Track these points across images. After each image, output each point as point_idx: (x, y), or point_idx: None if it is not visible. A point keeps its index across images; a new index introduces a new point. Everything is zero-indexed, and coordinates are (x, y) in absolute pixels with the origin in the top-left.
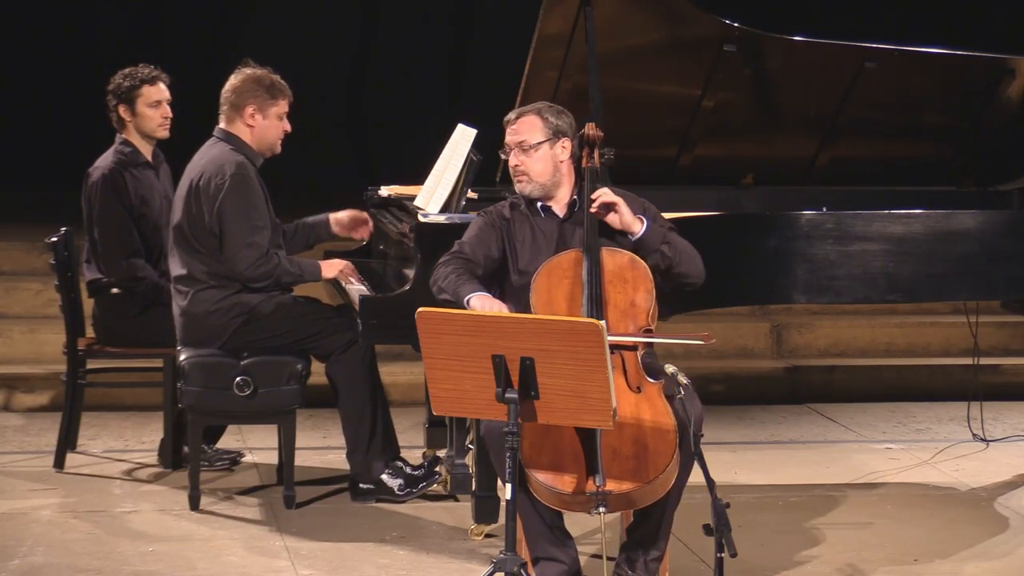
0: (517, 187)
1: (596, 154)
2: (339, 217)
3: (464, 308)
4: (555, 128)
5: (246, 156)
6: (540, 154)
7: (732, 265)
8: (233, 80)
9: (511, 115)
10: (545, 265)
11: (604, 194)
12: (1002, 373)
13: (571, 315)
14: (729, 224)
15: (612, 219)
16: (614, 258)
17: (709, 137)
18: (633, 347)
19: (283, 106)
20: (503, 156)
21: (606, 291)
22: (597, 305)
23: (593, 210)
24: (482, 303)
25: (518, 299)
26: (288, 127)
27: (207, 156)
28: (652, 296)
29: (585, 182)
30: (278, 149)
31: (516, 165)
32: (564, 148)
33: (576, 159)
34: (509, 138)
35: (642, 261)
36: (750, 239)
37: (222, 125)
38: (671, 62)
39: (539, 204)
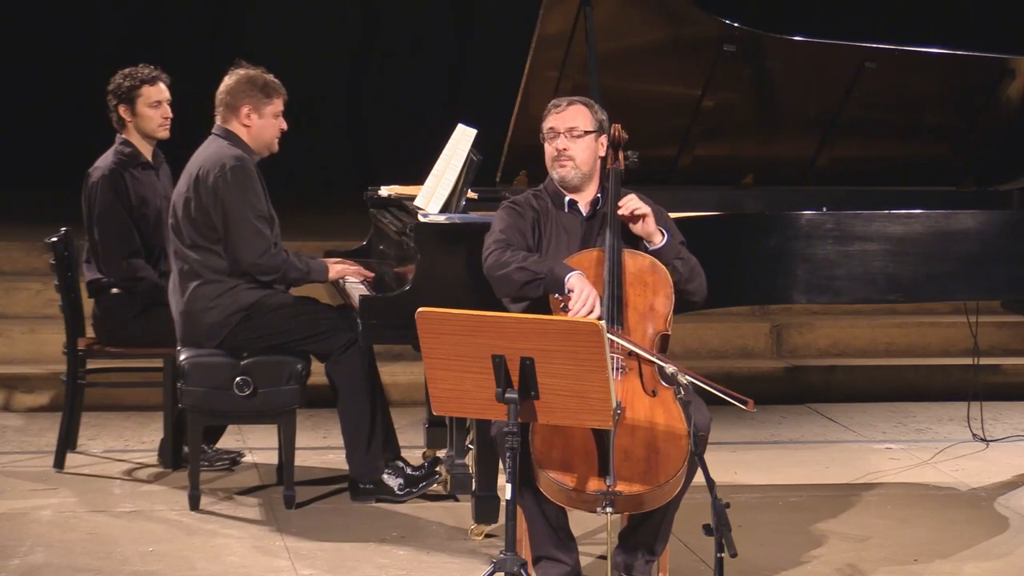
0: (559, 172)
1: (621, 156)
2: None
3: (560, 282)
4: (599, 123)
5: (244, 151)
6: (586, 143)
7: (732, 265)
8: (227, 81)
9: (559, 101)
10: (566, 262)
11: (633, 200)
12: (1002, 373)
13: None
14: (729, 224)
15: (637, 227)
16: (635, 261)
17: (709, 137)
18: (650, 352)
19: (278, 105)
20: (543, 140)
21: (626, 293)
22: (617, 306)
23: (623, 214)
24: (581, 284)
25: None
26: (284, 125)
27: (206, 152)
28: (671, 301)
29: (609, 183)
30: (275, 148)
31: (564, 149)
32: (602, 144)
33: (602, 159)
34: (556, 123)
35: (663, 266)
36: (750, 239)
37: (219, 123)
38: (671, 62)
39: (566, 199)
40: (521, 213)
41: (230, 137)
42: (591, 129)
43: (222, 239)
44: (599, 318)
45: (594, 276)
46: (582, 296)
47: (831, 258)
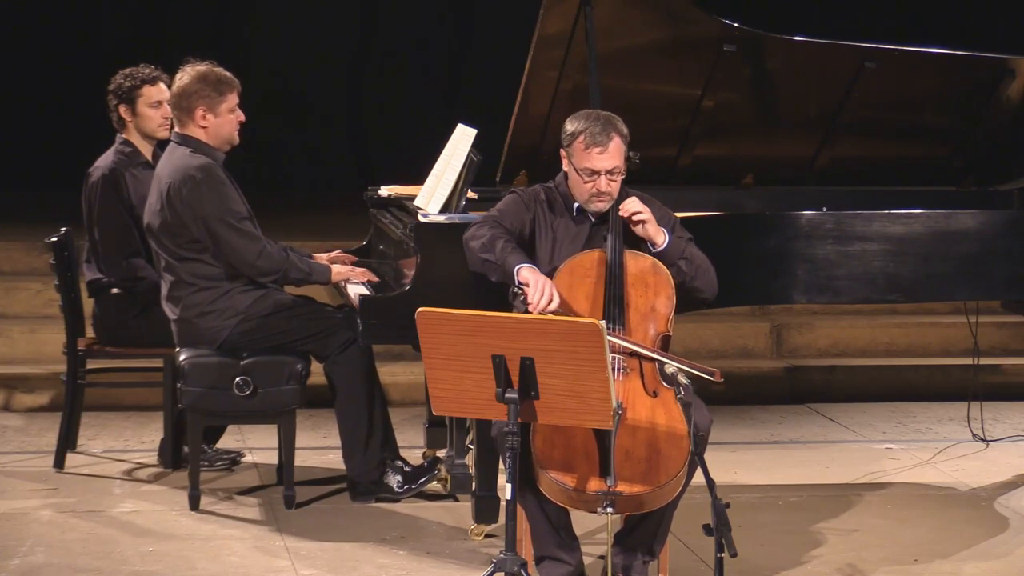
0: (596, 207)
1: None
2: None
3: (511, 274)
4: (628, 144)
5: (207, 155)
6: (621, 175)
7: (732, 265)
8: (179, 82)
9: (599, 139)
10: (568, 263)
11: (634, 203)
12: (1002, 373)
13: (591, 314)
14: (729, 224)
15: (638, 229)
16: (637, 262)
17: (709, 137)
18: (646, 347)
19: (232, 99)
20: (582, 176)
21: (627, 293)
22: (619, 306)
23: (622, 215)
24: (534, 276)
25: None
26: (242, 117)
27: (170, 164)
28: (672, 302)
29: None
30: (236, 140)
31: (605, 191)
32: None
33: None
34: (598, 164)
35: (664, 267)
36: (750, 239)
37: (177, 129)
38: (671, 62)
39: (575, 205)
40: (526, 205)
41: (190, 143)
42: (624, 161)
43: (208, 248)
44: (558, 306)
45: (595, 276)
46: (538, 288)
47: (831, 258)
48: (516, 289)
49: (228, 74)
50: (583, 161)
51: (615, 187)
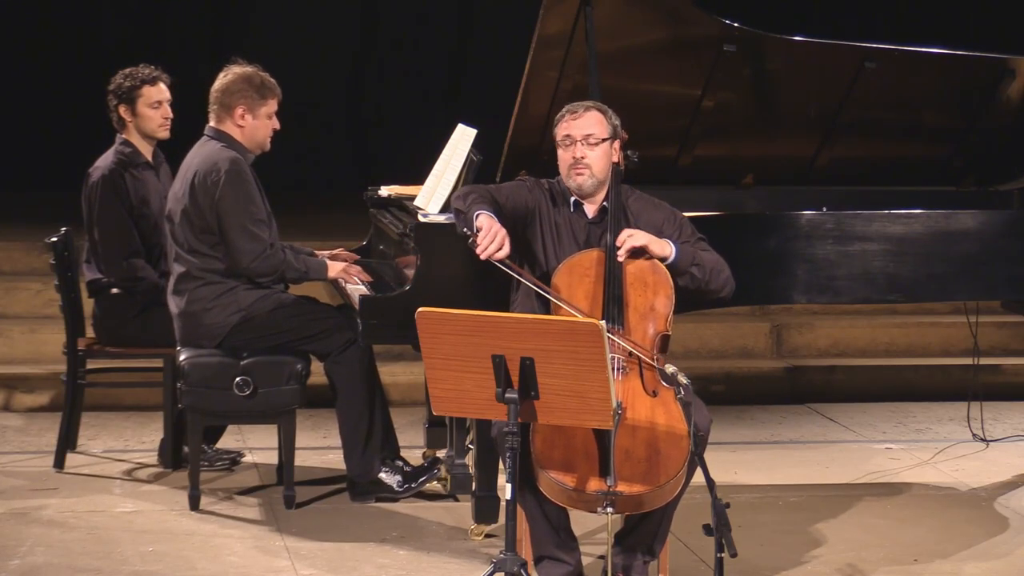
0: (576, 180)
1: (620, 155)
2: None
3: (471, 220)
4: (613, 128)
5: (238, 152)
6: (602, 149)
7: (732, 265)
8: (222, 79)
9: (575, 107)
10: (567, 262)
11: (631, 239)
12: (1002, 373)
13: (591, 314)
14: (729, 224)
15: (644, 257)
16: (635, 261)
17: (709, 137)
18: (651, 352)
19: (272, 105)
20: (557, 147)
21: (626, 293)
22: (618, 306)
23: (621, 257)
24: (489, 223)
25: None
26: (277, 125)
27: (200, 155)
28: (671, 301)
29: (611, 182)
30: (268, 147)
31: (581, 157)
32: (615, 150)
33: (615, 164)
34: (573, 130)
35: (663, 266)
36: (750, 239)
37: (212, 124)
38: (671, 62)
39: (572, 199)
40: (529, 189)
41: (223, 138)
42: (607, 136)
43: (220, 242)
44: (507, 256)
45: (594, 276)
46: (490, 233)
47: (831, 258)
48: (467, 231)
49: (272, 80)
50: (561, 131)
51: (593, 159)
